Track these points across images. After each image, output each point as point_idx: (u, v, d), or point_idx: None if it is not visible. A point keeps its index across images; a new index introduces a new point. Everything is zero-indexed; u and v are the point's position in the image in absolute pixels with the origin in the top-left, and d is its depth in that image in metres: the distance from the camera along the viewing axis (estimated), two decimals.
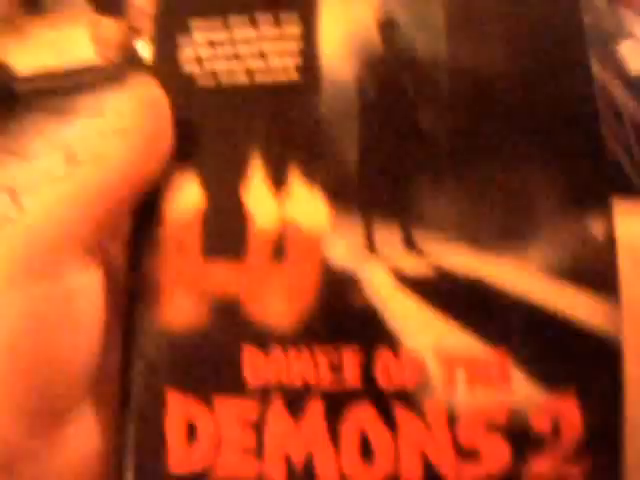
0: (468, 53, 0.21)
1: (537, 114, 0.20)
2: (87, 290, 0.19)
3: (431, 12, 0.22)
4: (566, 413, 0.19)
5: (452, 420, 0.19)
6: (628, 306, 0.19)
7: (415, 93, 0.21)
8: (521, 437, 0.19)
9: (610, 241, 0.19)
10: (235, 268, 0.20)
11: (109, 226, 0.20)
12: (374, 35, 0.22)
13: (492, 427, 0.19)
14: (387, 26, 0.22)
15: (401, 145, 0.20)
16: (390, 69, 0.21)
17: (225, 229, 0.21)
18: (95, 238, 0.19)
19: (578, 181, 0.20)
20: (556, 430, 0.19)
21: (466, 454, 0.19)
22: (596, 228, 0.19)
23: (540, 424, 0.19)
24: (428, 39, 0.21)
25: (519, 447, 0.19)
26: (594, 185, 0.20)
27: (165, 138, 0.21)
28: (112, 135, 0.20)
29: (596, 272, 0.19)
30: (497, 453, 0.19)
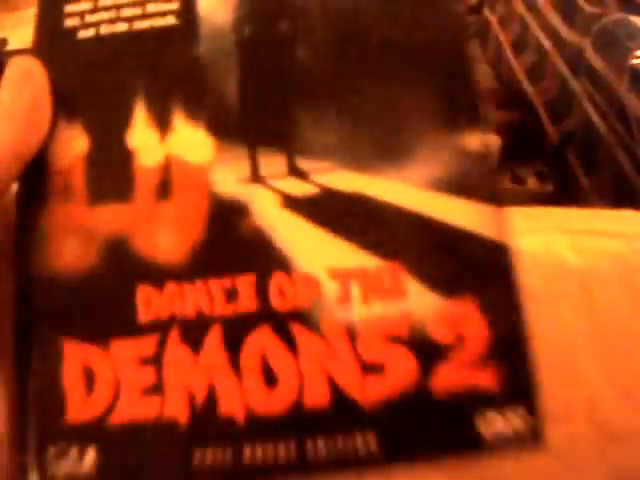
0: None
1: (408, 40, 0.21)
2: None
3: None
4: (467, 320, 0.19)
5: (352, 335, 0.19)
6: None
7: (289, 26, 0.21)
8: (424, 347, 0.19)
9: (484, 152, 0.20)
10: (123, 209, 0.20)
11: None
12: None
13: (393, 339, 0.19)
14: None
15: (279, 77, 0.21)
16: (264, 6, 0.22)
17: (110, 173, 0.20)
18: None
19: (450, 100, 0.20)
20: (459, 338, 0.19)
21: (370, 368, 0.19)
22: (470, 142, 0.20)
23: (441, 333, 0.19)
24: None
25: (423, 358, 0.19)
26: (465, 102, 0.20)
27: (43, 109, 0.21)
28: None
29: (473, 182, 0.20)
30: (402, 365, 0.19)
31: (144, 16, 0.22)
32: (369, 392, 0.19)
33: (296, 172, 0.20)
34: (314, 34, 0.21)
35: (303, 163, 0.20)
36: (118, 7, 0.22)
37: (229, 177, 0.20)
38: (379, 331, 0.19)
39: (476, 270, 0.19)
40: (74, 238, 0.20)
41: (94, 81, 0.21)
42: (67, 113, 0.21)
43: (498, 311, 0.19)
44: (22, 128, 0.20)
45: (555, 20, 0.83)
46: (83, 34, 0.22)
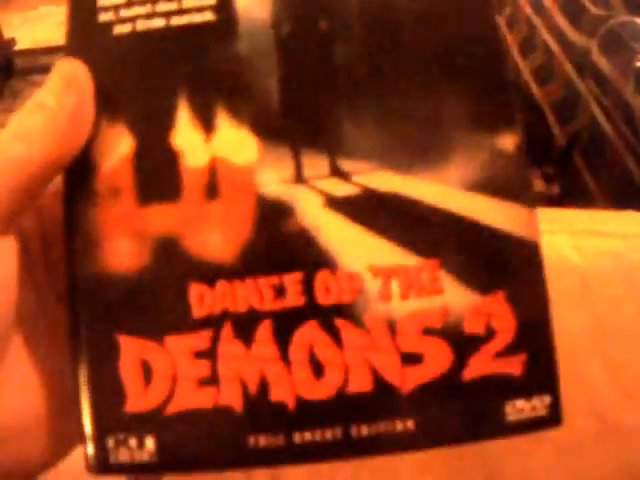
0: None
1: (444, 41, 0.21)
2: None
3: None
4: (498, 314, 0.20)
5: (392, 328, 0.20)
6: None
7: (328, 27, 0.22)
8: (458, 339, 0.20)
9: (519, 154, 0.21)
10: (172, 209, 0.21)
11: (22, 198, 0.20)
12: None
13: (430, 332, 0.20)
14: None
15: (319, 77, 0.21)
16: (302, 5, 0.22)
17: (158, 173, 0.21)
18: (5, 209, 0.19)
19: (485, 101, 0.21)
20: (490, 330, 0.20)
21: (409, 358, 0.20)
22: (505, 143, 0.21)
23: (474, 326, 0.20)
24: None
25: (458, 348, 0.20)
26: (500, 103, 0.21)
27: (87, 113, 0.21)
28: (33, 109, 0.20)
29: (508, 182, 0.21)
30: (439, 355, 0.20)
31: (181, 11, 0.22)
32: (408, 380, 0.20)
33: (338, 173, 0.21)
34: (352, 33, 0.21)
35: (345, 163, 0.21)
36: (153, 1, 0.22)
37: (274, 178, 0.21)
38: (417, 324, 0.20)
39: (508, 267, 0.20)
40: (125, 237, 0.21)
41: (134, 79, 0.21)
42: (109, 112, 0.21)
43: (527, 305, 0.20)
44: (65, 133, 0.20)
45: (562, 22, 0.82)
46: (119, 30, 0.22)
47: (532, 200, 0.21)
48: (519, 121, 0.21)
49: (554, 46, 0.85)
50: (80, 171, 0.21)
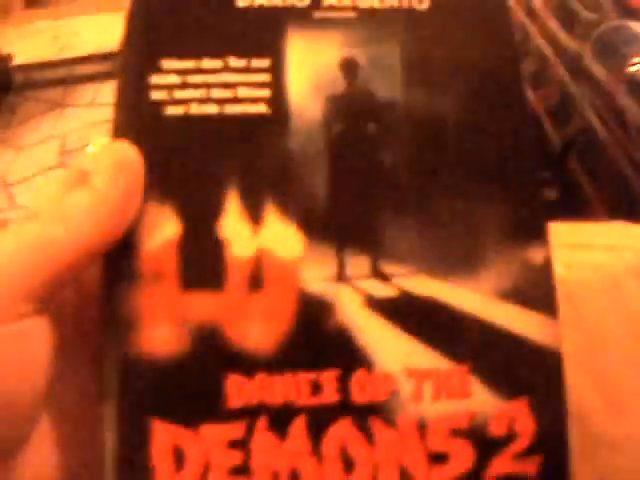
0: (422, 95, 0.23)
1: (482, 151, 0.23)
2: (31, 333, 0.19)
3: (387, 54, 0.23)
4: (520, 418, 0.21)
5: (422, 428, 0.21)
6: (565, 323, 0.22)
7: (376, 131, 0.23)
8: (482, 440, 0.21)
9: (547, 266, 0.22)
10: (215, 298, 0.21)
11: (59, 279, 0.20)
12: (337, 73, 0.23)
13: (457, 433, 0.21)
14: (347, 65, 0.23)
15: (366, 179, 0.22)
16: (352, 107, 0.23)
17: (202, 260, 0.21)
18: (40, 290, 0.19)
19: (517, 215, 0.22)
20: (511, 433, 0.21)
21: (436, 458, 0.21)
22: (534, 255, 0.22)
23: (498, 428, 0.21)
24: (385, 80, 0.23)
25: (481, 449, 0.21)
26: (530, 217, 0.22)
27: (135, 200, 0.21)
28: (80, 190, 0.20)
29: (536, 294, 0.22)
30: (464, 455, 0.21)
31: (235, 100, 0.23)
32: (433, 478, 0.21)
33: (379, 274, 0.22)
34: (398, 138, 0.23)
35: (386, 265, 0.22)
36: (208, 86, 0.23)
37: (317, 275, 0.21)
38: (445, 425, 0.21)
39: (533, 375, 0.22)
40: (165, 322, 0.21)
41: (184, 164, 0.22)
42: (157, 194, 0.21)
43: (547, 411, 0.22)
44: (111, 218, 0.20)
45: (554, 26, 0.84)
46: (172, 111, 0.22)
47: (555, 309, 0.22)
48: (547, 234, 0.22)
49: (547, 51, 0.86)
50: (122, 251, 0.21)
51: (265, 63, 0.23)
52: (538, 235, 0.22)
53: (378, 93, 0.23)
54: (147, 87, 0.22)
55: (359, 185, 0.22)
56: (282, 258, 0.21)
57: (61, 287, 0.20)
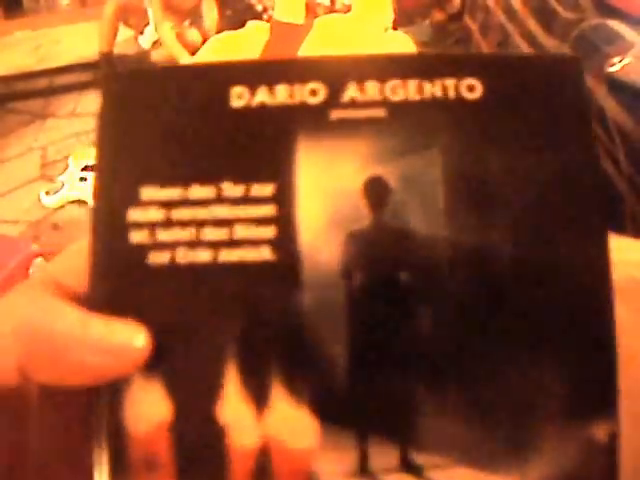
0: (473, 229, 0.18)
1: (544, 313, 0.18)
2: None
3: (427, 168, 0.18)
4: None
5: None
6: None
7: (411, 281, 0.18)
8: None
9: (612, 443, 0.18)
10: None
11: None
12: (361, 201, 0.18)
13: None
14: (374, 189, 0.18)
15: (397, 347, 0.18)
16: (380, 249, 0.18)
17: (200, 450, 0.18)
18: None
19: (581, 385, 0.18)
20: None
21: None
22: (597, 433, 0.18)
23: None
24: (424, 208, 0.18)
25: None
26: (597, 387, 0.18)
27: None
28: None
29: (593, 477, 0.18)
30: None
31: (231, 243, 0.18)
32: None
33: (409, 467, 0.18)
34: (439, 290, 0.18)
35: (417, 456, 0.18)
36: (198, 224, 0.18)
37: (335, 469, 0.18)
38: None
39: None
40: None
41: (172, 327, 0.18)
42: (144, 370, 0.18)
43: None
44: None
45: (534, 26, 0.81)
46: (155, 259, 0.18)
47: None
48: (616, 404, 0.18)
49: (527, 50, 0.85)
50: (111, 435, 0.18)
51: (268, 190, 0.18)
52: (603, 408, 0.18)
53: (414, 227, 0.18)
54: (125, 226, 0.18)
55: (388, 354, 0.18)
56: (292, 449, 0.18)
57: None
